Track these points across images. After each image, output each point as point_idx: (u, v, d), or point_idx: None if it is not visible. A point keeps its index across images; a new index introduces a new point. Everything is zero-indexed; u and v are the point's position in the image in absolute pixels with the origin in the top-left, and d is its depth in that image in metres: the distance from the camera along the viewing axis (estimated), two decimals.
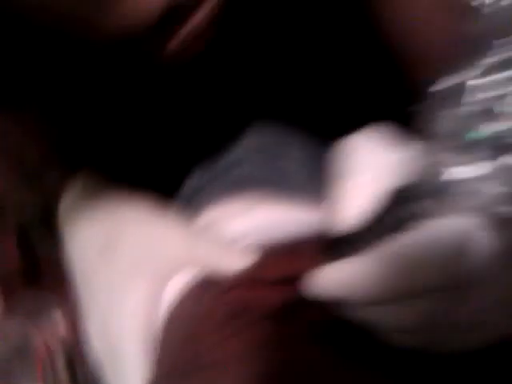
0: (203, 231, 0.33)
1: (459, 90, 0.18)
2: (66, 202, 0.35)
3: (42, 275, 0.42)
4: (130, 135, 0.37)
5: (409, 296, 0.21)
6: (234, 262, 0.31)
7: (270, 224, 0.29)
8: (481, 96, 0.17)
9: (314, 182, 0.31)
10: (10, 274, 0.42)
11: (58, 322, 0.42)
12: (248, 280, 0.29)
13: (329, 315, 0.23)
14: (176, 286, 0.31)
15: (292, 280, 0.25)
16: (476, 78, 0.18)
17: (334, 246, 0.23)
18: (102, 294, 0.32)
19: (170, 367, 0.28)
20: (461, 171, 0.18)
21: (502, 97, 0.17)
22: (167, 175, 0.37)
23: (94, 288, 0.32)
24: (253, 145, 0.35)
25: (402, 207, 0.20)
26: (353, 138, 0.23)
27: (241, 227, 0.32)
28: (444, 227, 0.20)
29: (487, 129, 0.17)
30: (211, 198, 0.34)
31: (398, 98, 0.20)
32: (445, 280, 0.21)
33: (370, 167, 0.21)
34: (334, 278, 0.22)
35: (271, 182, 0.32)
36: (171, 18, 0.25)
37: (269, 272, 0.26)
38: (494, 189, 0.18)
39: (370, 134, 0.22)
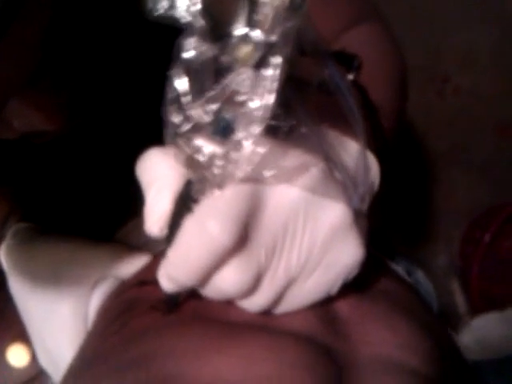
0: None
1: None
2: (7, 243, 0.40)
3: None
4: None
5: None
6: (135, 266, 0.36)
7: None
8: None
9: None
10: None
11: None
12: (139, 280, 0.34)
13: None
14: (99, 296, 0.36)
15: None
16: None
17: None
18: (34, 318, 0.37)
19: (76, 361, 0.32)
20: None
21: None
22: None
23: (29, 315, 0.38)
24: None
25: (187, 199, 0.24)
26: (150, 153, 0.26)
27: None
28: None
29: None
30: None
31: None
32: None
33: (164, 176, 0.25)
34: (161, 275, 0.26)
35: None
36: None
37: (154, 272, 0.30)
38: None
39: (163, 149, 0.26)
